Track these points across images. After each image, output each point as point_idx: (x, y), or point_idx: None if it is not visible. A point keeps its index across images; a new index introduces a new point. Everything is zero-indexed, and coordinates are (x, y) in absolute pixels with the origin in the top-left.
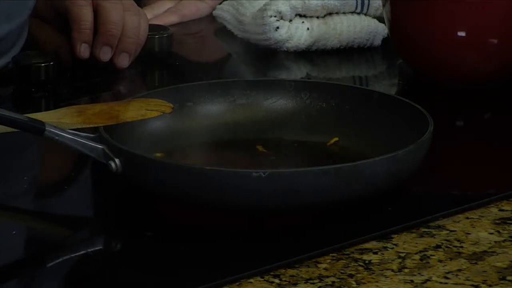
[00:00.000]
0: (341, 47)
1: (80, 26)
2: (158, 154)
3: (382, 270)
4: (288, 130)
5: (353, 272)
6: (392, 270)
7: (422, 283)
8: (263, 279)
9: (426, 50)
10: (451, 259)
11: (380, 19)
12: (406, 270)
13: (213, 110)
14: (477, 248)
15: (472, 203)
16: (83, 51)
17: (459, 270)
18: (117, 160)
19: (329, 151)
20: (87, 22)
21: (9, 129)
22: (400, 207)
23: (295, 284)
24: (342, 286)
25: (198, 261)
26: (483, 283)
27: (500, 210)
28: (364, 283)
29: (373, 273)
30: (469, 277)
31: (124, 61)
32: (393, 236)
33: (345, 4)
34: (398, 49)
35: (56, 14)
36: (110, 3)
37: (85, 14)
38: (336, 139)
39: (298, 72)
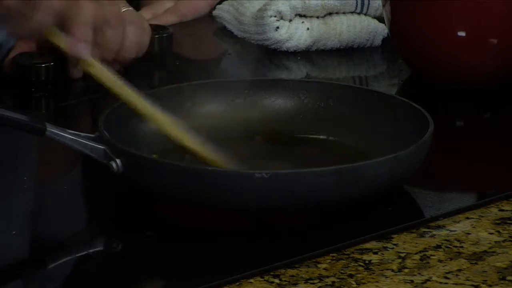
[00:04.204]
0: (341, 47)
1: None
2: (154, 155)
3: (382, 270)
4: (287, 130)
5: (353, 272)
6: (392, 270)
7: (422, 283)
8: (263, 279)
9: (426, 50)
10: (451, 259)
11: (380, 19)
12: (406, 270)
13: (212, 109)
14: (477, 248)
15: (472, 203)
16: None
17: (459, 270)
18: (118, 161)
19: (329, 151)
20: None
21: None
22: (400, 207)
23: (295, 284)
24: (342, 286)
25: (198, 261)
26: (483, 283)
27: (500, 210)
28: (364, 283)
29: (373, 273)
30: (469, 277)
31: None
32: (393, 236)
33: (345, 4)
34: (398, 49)
35: None
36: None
37: None
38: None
39: (298, 72)
